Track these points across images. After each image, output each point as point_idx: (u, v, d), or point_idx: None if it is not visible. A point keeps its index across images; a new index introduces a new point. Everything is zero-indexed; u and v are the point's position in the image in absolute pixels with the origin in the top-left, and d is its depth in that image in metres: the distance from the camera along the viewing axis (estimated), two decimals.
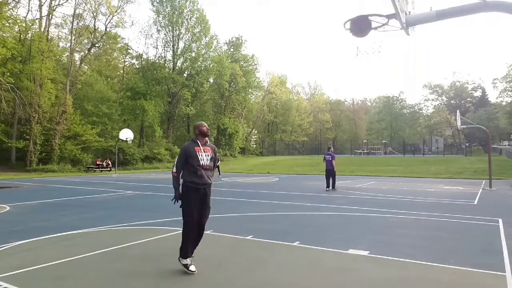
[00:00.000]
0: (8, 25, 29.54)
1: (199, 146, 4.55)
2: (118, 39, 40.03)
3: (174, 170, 4.52)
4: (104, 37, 37.26)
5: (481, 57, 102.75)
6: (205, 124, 4.75)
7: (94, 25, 35.96)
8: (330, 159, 14.83)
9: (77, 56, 38.73)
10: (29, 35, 31.13)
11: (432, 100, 69.65)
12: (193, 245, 4.59)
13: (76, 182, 20.29)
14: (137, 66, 44.86)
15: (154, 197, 13.14)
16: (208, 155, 4.56)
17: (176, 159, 4.60)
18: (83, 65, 37.84)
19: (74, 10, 34.10)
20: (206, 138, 4.68)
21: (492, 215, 8.73)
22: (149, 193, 14.27)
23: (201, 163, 4.46)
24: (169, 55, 44.39)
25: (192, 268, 4.43)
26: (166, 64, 44.09)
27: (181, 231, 4.57)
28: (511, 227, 7.27)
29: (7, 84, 27.11)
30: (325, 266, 4.84)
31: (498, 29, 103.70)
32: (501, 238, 6.40)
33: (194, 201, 4.46)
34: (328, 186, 14.81)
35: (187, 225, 4.48)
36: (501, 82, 54.58)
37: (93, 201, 11.95)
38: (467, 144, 50.09)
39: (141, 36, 59.11)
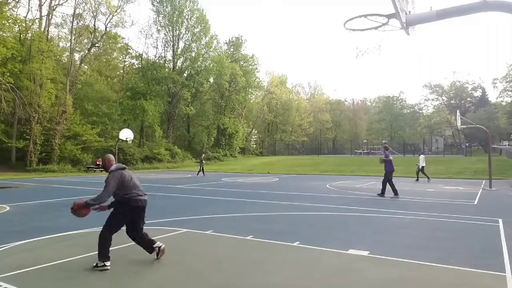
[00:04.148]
0: (8, 25, 29.55)
1: None
2: (118, 39, 40.07)
3: None
4: (104, 37, 37.24)
5: (481, 57, 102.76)
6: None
7: (94, 25, 35.99)
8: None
9: (77, 56, 38.72)
10: (29, 35, 31.11)
11: (432, 100, 69.53)
12: None
13: (76, 182, 20.28)
14: (137, 66, 44.84)
15: (153, 197, 13.12)
16: None
17: None
18: (83, 65, 37.80)
19: (74, 10, 34.15)
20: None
21: (492, 215, 8.73)
22: (148, 193, 14.20)
23: None
24: (169, 55, 44.49)
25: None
26: (166, 64, 44.09)
27: None
28: (511, 227, 7.27)
29: (7, 84, 27.09)
30: (325, 266, 4.84)
31: (498, 29, 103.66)
32: (501, 238, 6.40)
33: None
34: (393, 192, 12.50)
35: None
36: (501, 82, 54.43)
37: None
38: (467, 144, 50.02)
39: (141, 36, 59.07)
